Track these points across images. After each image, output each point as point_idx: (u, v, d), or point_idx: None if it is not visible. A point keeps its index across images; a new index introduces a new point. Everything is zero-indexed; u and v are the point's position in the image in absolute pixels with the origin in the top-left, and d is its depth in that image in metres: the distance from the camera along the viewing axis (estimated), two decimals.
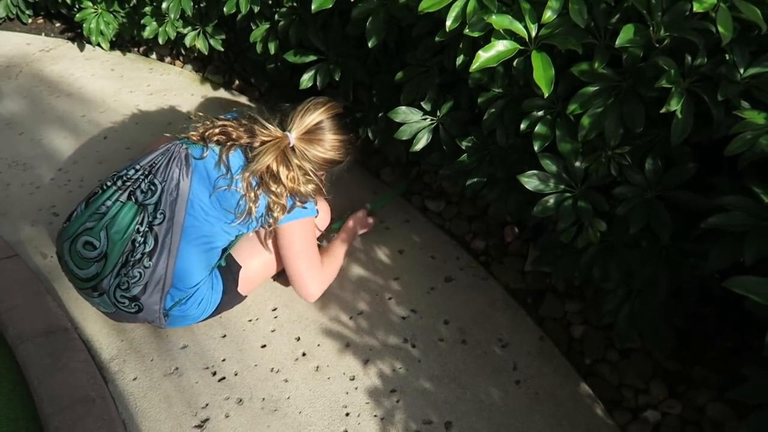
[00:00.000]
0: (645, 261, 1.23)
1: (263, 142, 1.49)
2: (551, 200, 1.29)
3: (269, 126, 1.51)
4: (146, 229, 1.43)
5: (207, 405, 1.47)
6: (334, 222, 1.85)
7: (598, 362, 1.54)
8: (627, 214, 1.20)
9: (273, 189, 1.48)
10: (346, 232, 1.76)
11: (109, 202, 1.45)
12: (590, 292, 1.64)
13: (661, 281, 1.22)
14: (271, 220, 1.51)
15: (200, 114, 1.59)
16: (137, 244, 1.42)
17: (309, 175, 1.54)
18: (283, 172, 1.48)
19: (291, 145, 1.51)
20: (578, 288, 1.67)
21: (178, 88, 2.57)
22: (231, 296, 1.58)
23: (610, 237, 1.28)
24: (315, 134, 1.54)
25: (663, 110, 1.06)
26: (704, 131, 1.12)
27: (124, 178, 1.47)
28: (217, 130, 1.51)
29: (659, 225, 1.17)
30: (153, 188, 1.44)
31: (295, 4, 1.82)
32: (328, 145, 1.56)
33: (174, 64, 2.74)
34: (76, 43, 2.89)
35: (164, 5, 2.09)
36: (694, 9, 1.02)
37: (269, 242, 1.61)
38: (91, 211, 1.45)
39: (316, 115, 1.54)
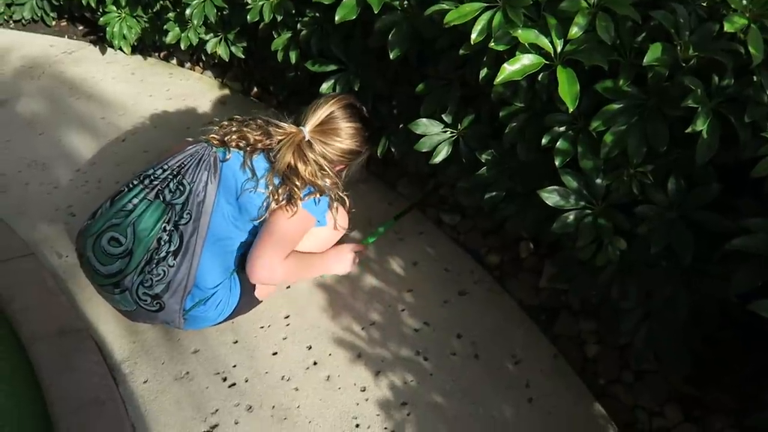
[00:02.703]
0: (665, 281, 1.21)
1: (280, 141, 1.51)
2: (571, 217, 1.27)
3: (283, 124, 1.54)
4: (172, 228, 1.44)
5: (217, 411, 1.47)
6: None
7: (612, 383, 1.52)
8: (648, 233, 1.18)
9: (296, 184, 1.49)
10: (327, 255, 1.67)
11: (135, 200, 1.47)
12: (606, 311, 1.62)
13: (682, 303, 1.20)
14: (291, 202, 1.47)
15: (216, 119, 1.61)
16: (162, 243, 1.43)
17: (325, 170, 1.55)
18: (300, 167, 1.50)
19: (306, 139, 1.53)
20: (594, 307, 1.65)
21: (197, 94, 2.59)
22: (247, 299, 1.57)
23: (630, 256, 1.27)
24: (329, 125, 1.55)
25: (689, 130, 1.06)
26: (729, 152, 1.10)
27: (152, 177, 1.49)
28: (235, 136, 1.53)
29: (681, 246, 1.15)
30: (181, 188, 1.47)
31: (317, 15, 1.84)
32: (344, 134, 1.57)
33: (194, 70, 2.76)
34: (98, 47, 2.93)
35: (188, 11, 2.11)
36: (725, 29, 1.01)
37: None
38: (116, 209, 1.47)
39: (327, 107, 1.56)
